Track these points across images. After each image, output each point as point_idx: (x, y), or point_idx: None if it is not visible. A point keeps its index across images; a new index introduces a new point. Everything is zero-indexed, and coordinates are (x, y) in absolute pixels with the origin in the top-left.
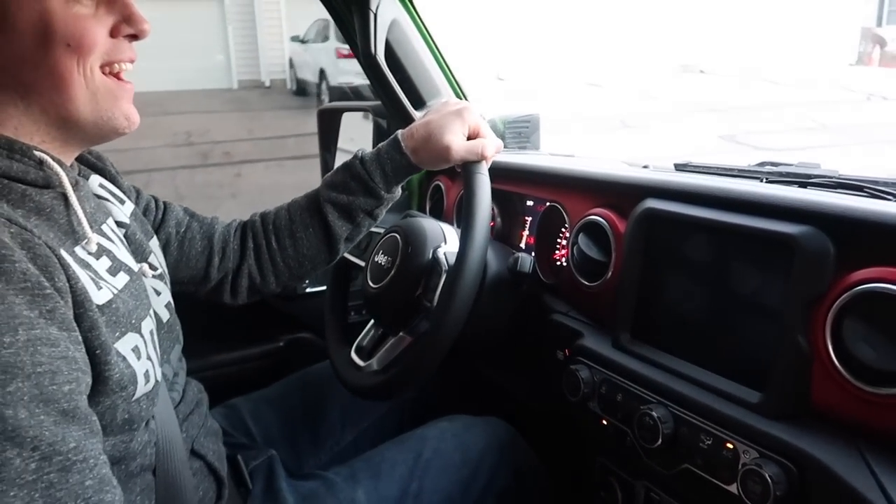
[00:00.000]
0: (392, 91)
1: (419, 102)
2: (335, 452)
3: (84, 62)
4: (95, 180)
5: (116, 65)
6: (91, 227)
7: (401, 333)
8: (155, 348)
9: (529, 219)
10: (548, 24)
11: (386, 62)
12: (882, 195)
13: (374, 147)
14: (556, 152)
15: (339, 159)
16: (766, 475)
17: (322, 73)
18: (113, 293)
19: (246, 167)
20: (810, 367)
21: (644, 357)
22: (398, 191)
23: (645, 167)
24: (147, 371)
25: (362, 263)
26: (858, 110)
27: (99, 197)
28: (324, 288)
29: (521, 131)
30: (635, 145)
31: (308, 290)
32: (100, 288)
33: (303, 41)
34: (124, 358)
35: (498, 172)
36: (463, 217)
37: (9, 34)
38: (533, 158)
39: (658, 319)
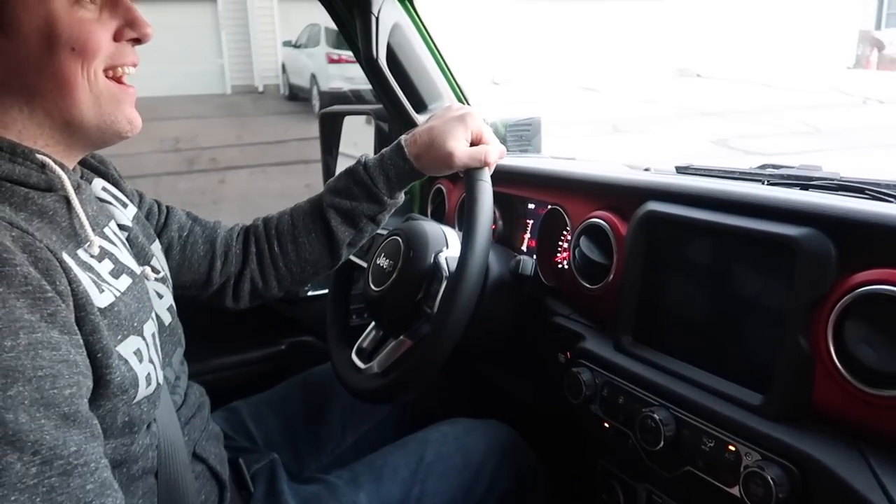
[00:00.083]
0: (394, 95)
1: (421, 106)
2: (336, 455)
3: (88, 66)
4: (98, 183)
5: (119, 69)
6: (93, 230)
7: (401, 336)
8: (157, 351)
9: (531, 222)
10: (543, 29)
11: (388, 66)
12: (884, 197)
13: (375, 151)
14: (557, 155)
15: (341, 163)
16: (769, 477)
17: (314, 78)
18: (115, 296)
19: (230, 174)
20: (812, 369)
21: (646, 359)
22: (401, 196)
23: (646, 170)
24: (149, 374)
25: (364, 265)
26: (853, 114)
27: (101, 200)
28: (325, 291)
29: (522, 134)
30: (626, 150)
31: (310, 293)
32: (102, 291)
33: (295, 46)
34: (126, 361)
35: (499, 175)
36: (464, 225)
37: (13, 38)
38: (534, 161)
39: (660, 322)
